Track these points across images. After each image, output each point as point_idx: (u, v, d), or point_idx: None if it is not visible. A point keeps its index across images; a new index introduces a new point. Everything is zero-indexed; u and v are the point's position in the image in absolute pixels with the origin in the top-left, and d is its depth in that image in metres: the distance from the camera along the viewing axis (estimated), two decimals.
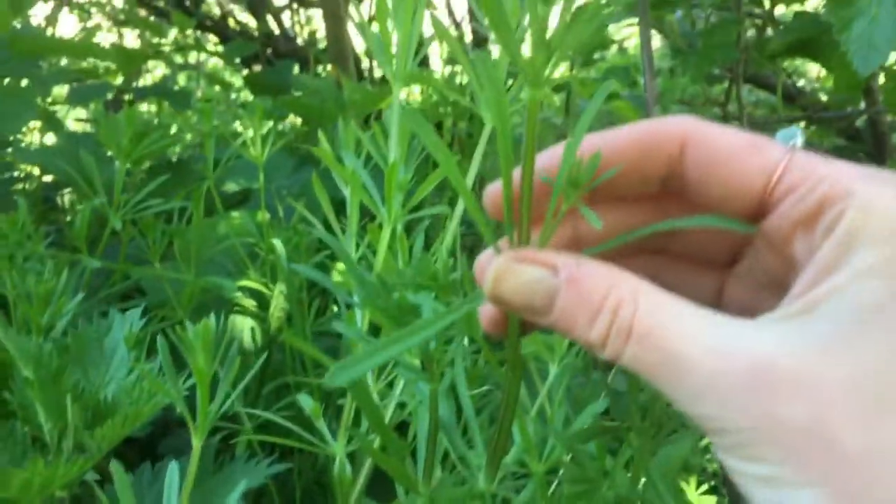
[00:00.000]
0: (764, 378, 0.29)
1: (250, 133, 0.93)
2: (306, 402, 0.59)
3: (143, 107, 2.15)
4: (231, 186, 1.30)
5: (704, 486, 1.06)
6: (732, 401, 0.30)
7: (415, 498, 0.51)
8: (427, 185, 0.55)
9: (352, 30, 1.73)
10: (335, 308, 0.98)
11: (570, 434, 0.40)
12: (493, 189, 0.37)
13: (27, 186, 1.45)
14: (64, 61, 1.78)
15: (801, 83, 2.34)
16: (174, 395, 0.44)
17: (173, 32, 2.09)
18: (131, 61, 1.63)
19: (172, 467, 0.50)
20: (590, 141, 0.37)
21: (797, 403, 0.29)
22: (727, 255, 0.40)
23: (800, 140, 0.36)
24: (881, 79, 0.75)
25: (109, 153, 1.02)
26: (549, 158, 0.37)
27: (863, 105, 1.17)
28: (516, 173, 0.35)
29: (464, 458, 0.48)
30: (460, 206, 0.57)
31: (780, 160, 0.34)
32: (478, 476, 0.47)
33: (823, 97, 1.47)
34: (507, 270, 0.34)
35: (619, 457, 0.41)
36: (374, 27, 0.58)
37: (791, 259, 0.35)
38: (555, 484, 0.57)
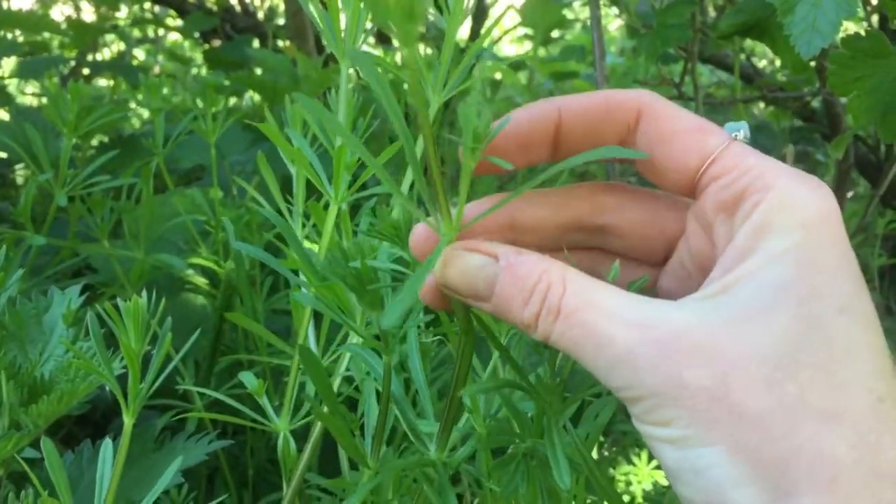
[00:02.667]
0: (674, 346, 0.32)
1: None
2: (249, 379, 0.59)
3: (102, 82, 2.11)
4: (186, 163, 1.28)
5: (656, 461, 1.08)
6: (644, 368, 0.32)
7: (361, 472, 0.51)
8: (371, 169, 0.55)
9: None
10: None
11: (480, 386, 0.42)
12: None
13: None
14: (18, 34, 1.74)
15: (762, 64, 2.35)
16: (105, 375, 0.44)
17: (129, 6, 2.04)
18: (85, 35, 1.60)
19: (107, 444, 0.49)
20: (550, 104, 0.38)
21: (702, 368, 0.31)
22: (661, 252, 0.42)
23: (742, 133, 0.38)
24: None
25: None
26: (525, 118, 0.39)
27: (818, 86, 1.17)
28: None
29: (414, 430, 0.48)
30: (406, 183, 0.57)
31: (718, 147, 0.36)
32: (429, 446, 0.47)
33: (783, 78, 1.48)
34: (454, 257, 0.37)
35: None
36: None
37: (714, 243, 0.37)
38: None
